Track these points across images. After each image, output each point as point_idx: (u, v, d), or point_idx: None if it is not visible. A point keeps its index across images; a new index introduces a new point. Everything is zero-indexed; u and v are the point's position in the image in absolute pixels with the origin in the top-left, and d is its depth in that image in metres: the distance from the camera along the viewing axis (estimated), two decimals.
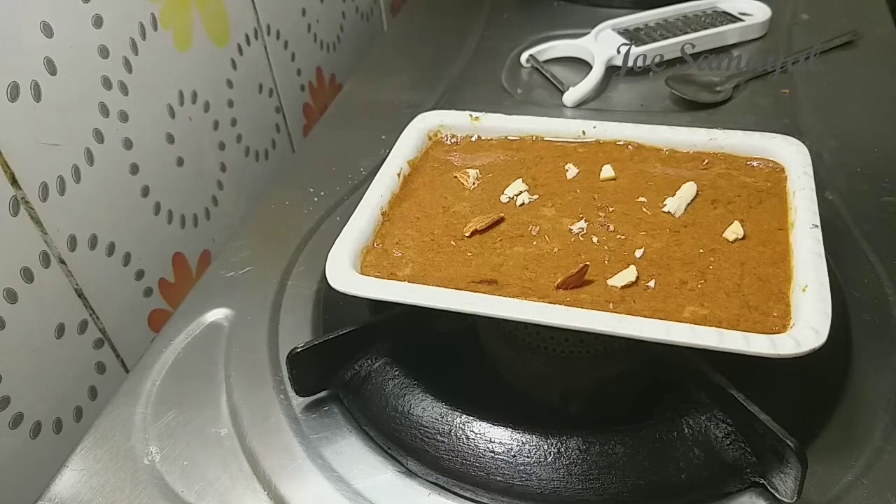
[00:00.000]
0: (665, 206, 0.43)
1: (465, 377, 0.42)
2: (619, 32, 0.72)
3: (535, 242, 0.42)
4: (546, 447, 0.37)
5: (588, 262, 0.39)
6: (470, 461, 0.37)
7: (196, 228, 0.62)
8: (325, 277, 0.40)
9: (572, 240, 0.42)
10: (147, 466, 0.40)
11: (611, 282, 0.39)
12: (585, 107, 0.66)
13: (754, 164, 0.46)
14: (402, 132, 0.50)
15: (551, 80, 0.70)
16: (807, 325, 0.34)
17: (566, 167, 0.47)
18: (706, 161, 0.47)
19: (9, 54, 0.43)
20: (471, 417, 0.38)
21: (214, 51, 0.62)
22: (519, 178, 0.47)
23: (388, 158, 0.48)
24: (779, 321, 0.35)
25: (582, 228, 0.42)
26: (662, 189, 0.45)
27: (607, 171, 0.46)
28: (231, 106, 0.65)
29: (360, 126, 0.67)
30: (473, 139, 0.51)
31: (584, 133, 0.49)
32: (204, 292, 0.51)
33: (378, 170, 0.47)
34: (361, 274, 0.40)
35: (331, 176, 0.60)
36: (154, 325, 0.57)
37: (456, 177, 0.48)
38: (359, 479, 0.39)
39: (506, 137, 0.51)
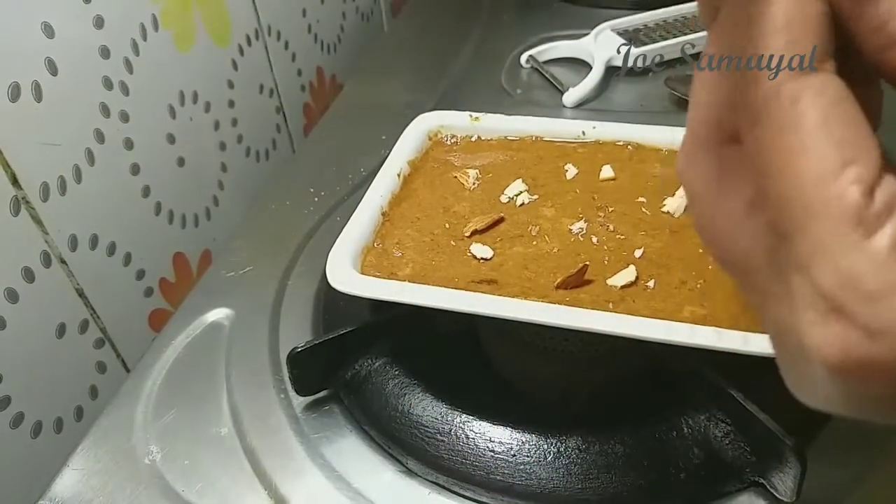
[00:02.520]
0: (664, 206, 0.43)
1: (465, 377, 0.42)
2: (619, 33, 0.72)
3: (534, 242, 0.42)
4: (546, 447, 0.37)
5: (588, 262, 0.39)
6: (470, 461, 0.37)
7: (196, 228, 0.62)
8: (325, 277, 0.40)
9: (572, 240, 0.42)
10: (148, 466, 0.41)
11: (610, 281, 0.39)
12: (585, 107, 0.66)
13: None
14: (402, 132, 0.51)
15: (551, 80, 0.70)
16: None
17: (566, 167, 0.47)
18: None
19: (10, 54, 0.43)
20: (471, 417, 0.38)
21: (215, 51, 0.62)
22: (519, 178, 0.47)
23: (388, 158, 0.48)
24: None
25: (582, 228, 0.43)
26: (662, 189, 0.45)
27: (607, 172, 0.46)
28: (232, 106, 0.65)
29: (360, 126, 0.67)
30: (473, 139, 0.51)
31: (583, 133, 0.49)
32: (204, 292, 0.51)
33: (378, 170, 0.47)
34: (361, 274, 0.40)
35: (331, 176, 0.60)
36: (155, 324, 0.57)
37: (456, 177, 0.48)
38: (359, 478, 0.39)
39: (505, 137, 0.51)
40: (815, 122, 0.16)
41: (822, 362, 0.16)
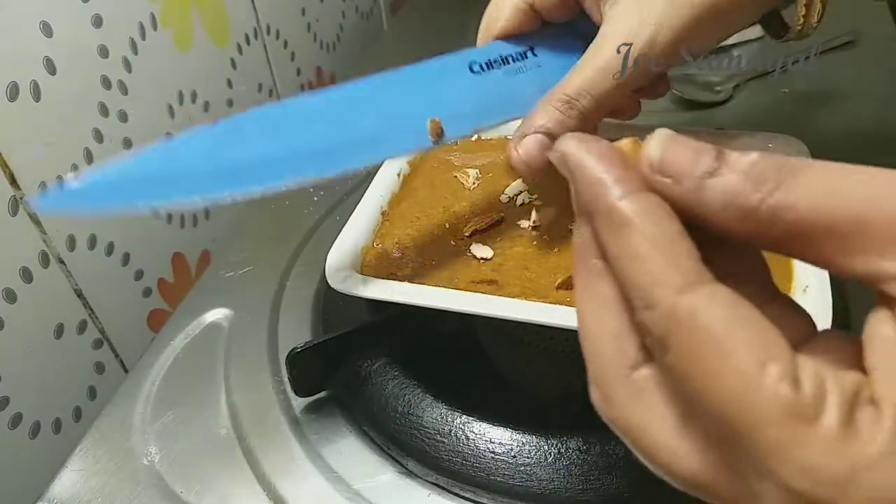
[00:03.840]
0: None
1: (465, 377, 0.41)
2: None
3: (534, 242, 0.42)
4: (546, 447, 0.37)
5: None
6: (470, 461, 0.37)
7: (195, 228, 0.62)
8: (325, 277, 0.40)
9: (572, 240, 0.42)
10: (146, 466, 0.40)
11: None
12: None
13: None
14: None
15: None
16: None
17: None
18: None
19: (8, 54, 0.43)
20: (471, 417, 0.38)
21: (214, 50, 0.62)
22: (519, 177, 0.47)
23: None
24: None
25: None
26: None
27: None
28: (231, 106, 0.65)
29: None
30: (473, 139, 0.51)
31: None
32: (203, 292, 0.51)
33: (378, 170, 0.47)
34: (361, 274, 0.40)
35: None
36: (153, 325, 0.57)
37: (456, 177, 0.48)
38: (359, 479, 0.39)
39: (506, 137, 0.50)
40: (720, 336, 0.16)
41: None
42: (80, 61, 0.48)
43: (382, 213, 0.45)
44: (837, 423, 0.15)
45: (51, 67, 0.46)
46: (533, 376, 0.43)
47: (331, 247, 0.41)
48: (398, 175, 0.47)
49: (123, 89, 0.52)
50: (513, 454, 0.37)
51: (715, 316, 0.16)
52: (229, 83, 0.64)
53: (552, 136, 0.36)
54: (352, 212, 0.44)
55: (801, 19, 0.39)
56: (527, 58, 0.40)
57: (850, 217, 0.16)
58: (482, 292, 0.38)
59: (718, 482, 0.18)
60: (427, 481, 0.38)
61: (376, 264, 0.42)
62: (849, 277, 0.17)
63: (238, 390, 0.44)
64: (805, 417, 0.15)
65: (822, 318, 0.34)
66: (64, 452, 0.42)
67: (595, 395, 0.20)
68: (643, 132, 0.21)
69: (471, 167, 0.48)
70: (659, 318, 0.17)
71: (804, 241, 0.17)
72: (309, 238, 0.55)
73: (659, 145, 0.19)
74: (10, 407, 0.45)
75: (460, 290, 0.38)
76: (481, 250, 0.41)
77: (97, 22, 0.49)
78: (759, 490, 0.16)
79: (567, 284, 0.38)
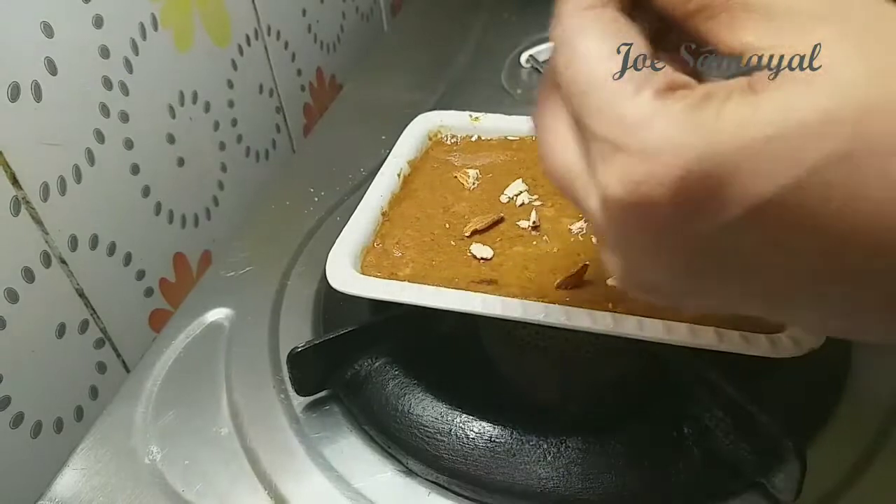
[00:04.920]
0: None
1: (465, 377, 0.42)
2: None
3: (534, 242, 0.42)
4: (546, 447, 0.37)
5: (588, 262, 0.39)
6: (470, 460, 0.37)
7: (196, 228, 0.62)
8: (325, 277, 0.40)
9: (572, 240, 0.42)
10: (148, 466, 0.41)
11: (610, 281, 0.39)
12: None
13: None
14: (402, 132, 0.51)
15: None
16: None
17: None
18: None
19: (9, 54, 0.43)
20: (471, 417, 0.38)
21: (215, 51, 0.62)
22: (519, 178, 0.47)
23: (388, 158, 0.48)
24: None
25: (581, 228, 0.43)
26: None
27: None
28: (231, 106, 0.65)
29: (360, 126, 0.67)
30: (473, 139, 0.51)
31: None
32: (204, 292, 0.51)
33: (378, 170, 0.47)
34: (361, 274, 0.40)
35: (331, 176, 0.60)
36: (155, 324, 0.57)
37: (456, 177, 0.48)
38: (359, 478, 0.39)
39: (506, 137, 0.51)
40: (591, 30, 0.21)
41: (610, 200, 0.19)
42: (80, 62, 0.48)
43: (382, 213, 0.45)
44: (652, 97, 0.19)
45: (52, 68, 0.46)
46: (533, 376, 0.43)
47: (331, 247, 0.41)
48: (398, 175, 0.47)
49: (124, 89, 0.52)
50: (512, 453, 0.37)
51: (593, 20, 0.21)
52: (230, 84, 0.65)
53: None
54: (352, 212, 0.44)
55: None
56: None
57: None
58: (482, 292, 0.38)
59: (579, 175, 0.22)
60: (427, 480, 0.38)
61: (376, 264, 0.42)
62: (726, 50, 0.21)
63: (239, 389, 0.44)
64: (632, 84, 0.19)
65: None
66: (65, 452, 0.42)
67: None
68: None
69: (471, 167, 0.48)
70: (554, 32, 0.22)
71: (706, 15, 0.21)
72: (309, 238, 0.55)
73: None
74: (11, 406, 0.45)
75: (460, 290, 0.38)
76: (481, 250, 0.41)
77: (98, 22, 0.49)
78: (590, 159, 0.20)
79: (567, 284, 0.39)
